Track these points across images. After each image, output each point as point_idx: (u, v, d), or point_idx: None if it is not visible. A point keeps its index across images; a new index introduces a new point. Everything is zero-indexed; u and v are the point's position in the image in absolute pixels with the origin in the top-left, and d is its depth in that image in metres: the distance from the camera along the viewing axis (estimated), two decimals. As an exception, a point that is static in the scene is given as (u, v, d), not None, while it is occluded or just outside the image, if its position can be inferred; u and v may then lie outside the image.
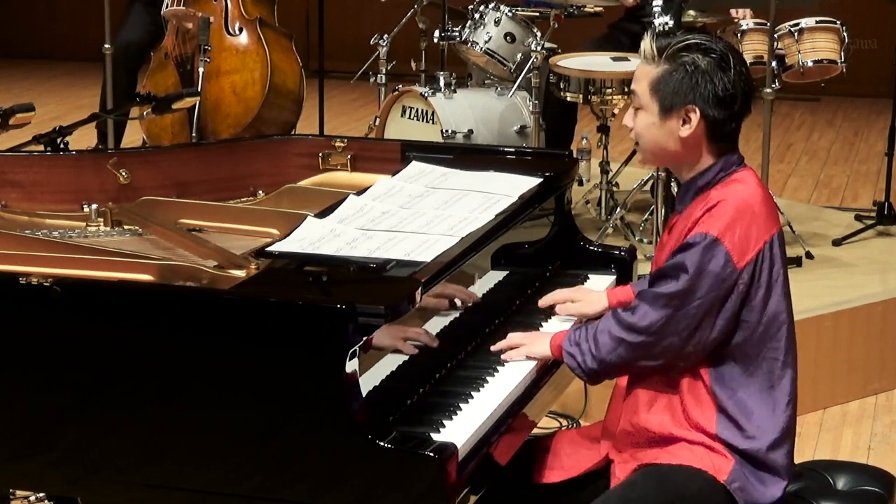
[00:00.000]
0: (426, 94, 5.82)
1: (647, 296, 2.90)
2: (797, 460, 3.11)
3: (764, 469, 2.91)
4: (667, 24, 5.29)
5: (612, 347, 2.90)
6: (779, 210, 5.68)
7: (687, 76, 2.87)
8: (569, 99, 5.74)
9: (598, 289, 3.41)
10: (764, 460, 2.91)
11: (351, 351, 2.56)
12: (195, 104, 5.59)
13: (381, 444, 2.54)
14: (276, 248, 2.98)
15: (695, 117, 2.88)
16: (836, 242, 5.87)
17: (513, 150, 4.10)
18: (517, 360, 3.03)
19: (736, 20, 5.92)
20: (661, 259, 3.00)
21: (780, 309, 2.92)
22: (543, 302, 3.33)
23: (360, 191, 3.37)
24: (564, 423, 4.74)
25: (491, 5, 6.03)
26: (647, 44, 2.91)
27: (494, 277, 3.33)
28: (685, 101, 2.87)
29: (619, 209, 5.77)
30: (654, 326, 2.87)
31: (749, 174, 2.96)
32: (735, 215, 2.85)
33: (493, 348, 3.06)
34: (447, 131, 5.70)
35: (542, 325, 3.28)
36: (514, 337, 3.08)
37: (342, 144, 3.77)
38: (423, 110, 5.88)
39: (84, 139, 5.70)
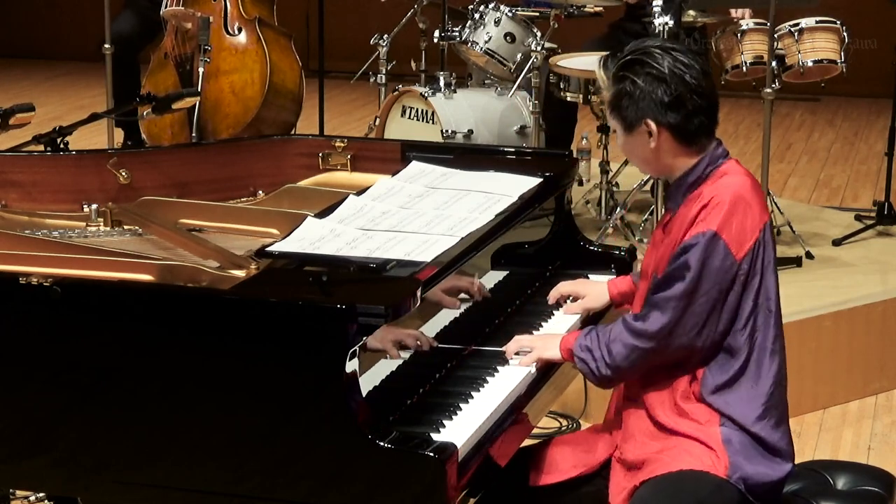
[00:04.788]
0: (426, 94, 5.82)
1: (654, 301, 2.94)
2: (797, 460, 3.11)
3: (768, 450, 2.94)
4: (667, 24, 5.29)
5: (625, 355, 2.94)
6: (778, 209, 5.77)
7: (629, 96, 2.96)
8: (569, 99, 5.74)
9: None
10: (763, 443, 2.94)
11: (351, 351, 2.57)
12: (195, 104, 5.59)
13: (381, 444, 2.54)
14: (276, 248, 2.98)
15: (654, 128, 2.96)
16: (836, 242, 5.87)
17: (513, 150, 4.11)
18: (529, 363, 3.03)
19: (735, 20, 5.92)
20: (655, 256, 3.03)
21: (770, 296, 2.97)
22: (551, 298, 3.36)
23: (360, 191, 3.36)
24: (564, 423, 4.74)
25: (491, 5, 6.03)
26: (598, 73, 3.03)
27: (494, 277, 3.33)
28: (639, 116, 2.96)
29: (619, 209, 5.77)
30: (665, 330, 2.91)
31: (735, 165, 3.02)
32: (731, 209, 2.91)
33: (505, 353, 3.06)
34: (447, 131, 5.70)
35: (541, 326, 3.28)
36: (522, 340, 3.09)
37: (342, 144, 3.77)
38: (423, 110, 5.88)
39: (84, 139, 5.70)
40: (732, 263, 2.90)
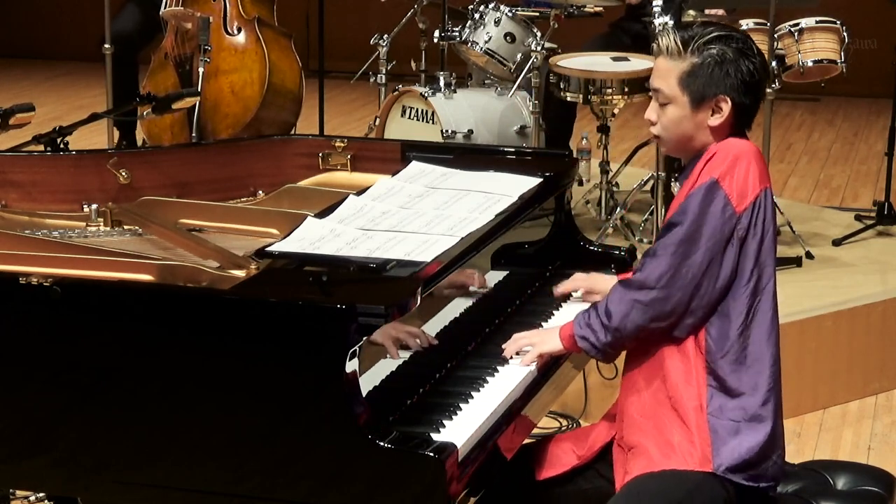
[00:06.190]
0: (426, 94, 5.82)
1: (652, 250, 2.93)
2: (797, 460, 3.11)
3: (754, 420, 2.92)
4: (667, 24, 5.30)
5: (624, 313, 2.92)
6: (779, 209, 5.77)
7: (717, 67, 2.92)
8: (569, 99, 5.74)
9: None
10: (753, 416, 2.91)
11: (351, 351, 2.57)
12: (195, 104, 5.59)
13: (381, 444, 2.54)
14: (276, 248, 2.98)
15: (726, 107, 2.93)
16: (836, 242, 5.87)
17: (513, 150, 4.11)
18: (530, 361, 3.02)
19: (735, 20, 5.92)
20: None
21: (768, 262, 2.95)
22: (563, 290, 3.35)
23: (360, 191, 3.37)
24: (564, 423, 4.74)
25: (491, 5, 6.03)
26: (669, 39, 2.96)
27: (494, 277, 3.33)
28: (717, 91, 2.92)
29: (619, 209, 5.77)
30: (664, 278, 2.89)
31: (744, 139, 3.02)
32: (733, 161, 2.91)
33: (504, 353, 3.06)
34: (447, 131, 5.70)
35: (541, 326, 3.27)
36: (520, 338, 3.08)
37: (342, 144, 3.77)
38: (423, 110, 5.88)
39: (84, 139, 5.70)
40: (731, 215, 2.88)
